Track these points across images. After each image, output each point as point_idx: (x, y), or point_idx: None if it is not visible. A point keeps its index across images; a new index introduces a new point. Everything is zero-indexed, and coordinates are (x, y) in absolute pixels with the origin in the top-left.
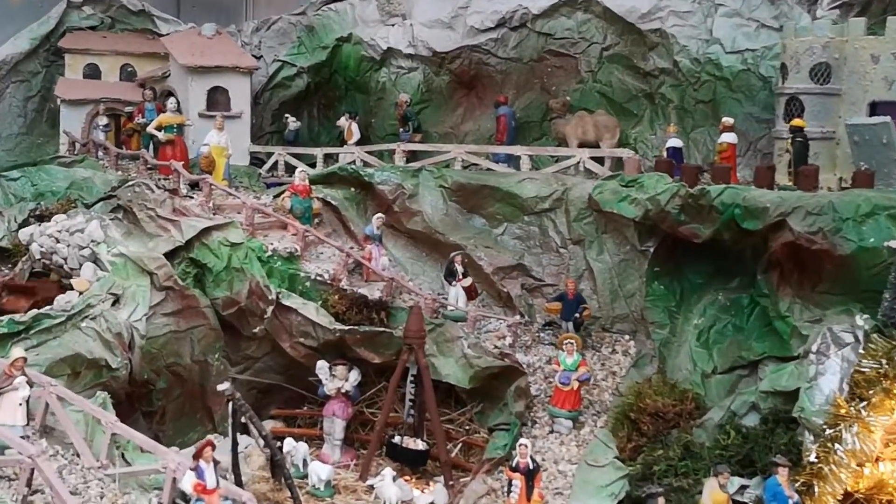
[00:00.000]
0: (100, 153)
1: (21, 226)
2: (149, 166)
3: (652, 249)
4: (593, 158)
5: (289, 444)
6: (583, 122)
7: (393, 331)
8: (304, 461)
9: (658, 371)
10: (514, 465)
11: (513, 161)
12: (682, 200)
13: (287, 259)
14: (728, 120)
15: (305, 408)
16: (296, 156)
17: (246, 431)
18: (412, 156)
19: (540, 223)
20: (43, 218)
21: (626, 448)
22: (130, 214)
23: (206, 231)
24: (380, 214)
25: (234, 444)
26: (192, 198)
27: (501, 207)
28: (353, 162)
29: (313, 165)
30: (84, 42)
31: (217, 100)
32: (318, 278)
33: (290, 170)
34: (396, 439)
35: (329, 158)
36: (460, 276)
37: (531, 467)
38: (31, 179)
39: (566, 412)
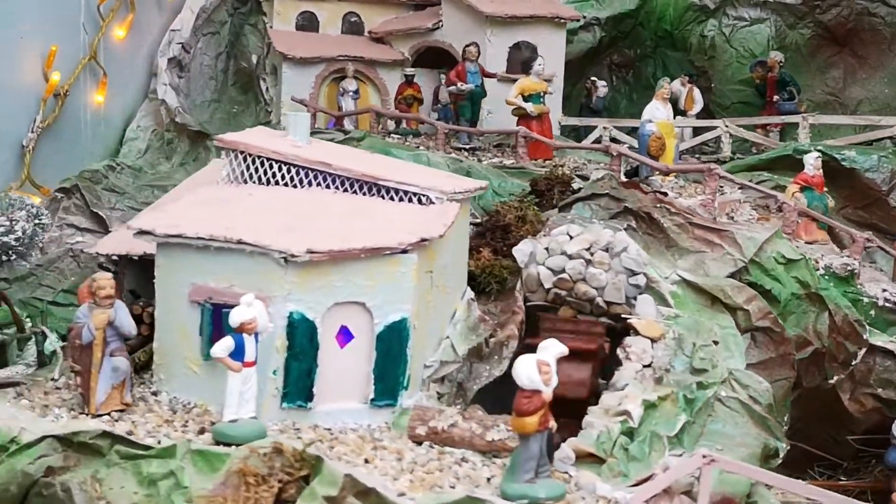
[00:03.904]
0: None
1: None
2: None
3: None
4: None
5: None
6: None
7: None
8: None
9: None
10: None
11: None
12: None
13: (843, 279)
14: None
15: (844, 479)
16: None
17: None
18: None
19: None
20: (495, 229)
21: None
22: (644, 222)
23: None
24: None
25: None
26: (664, 194)
27: None
28: (719, 138)
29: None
30: None
31: (517, 59)
32: (888, 304)
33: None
34: None
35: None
36: None
37: None
38: None
39: None
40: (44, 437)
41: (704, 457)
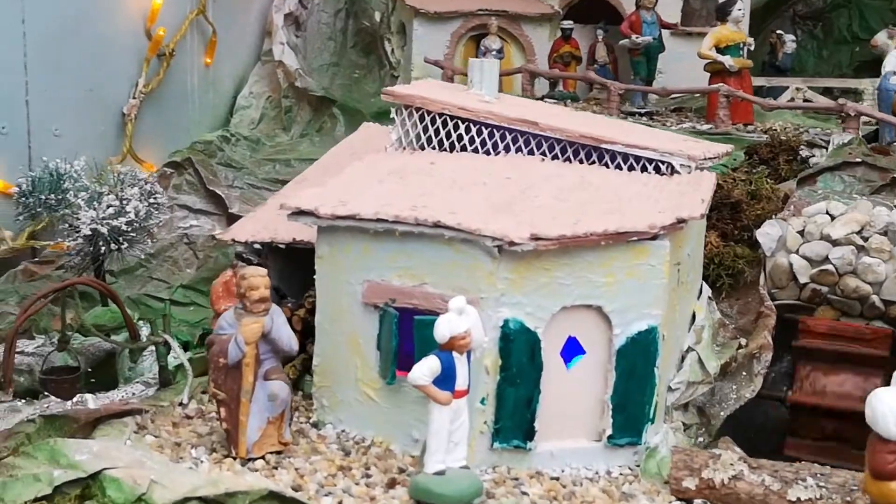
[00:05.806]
0: None
1: None
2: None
3: None
4: None
5: None
6: None
7: None
8: None
9: None
10: None
11: None
12: None
13: None
14: None
15: None
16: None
17: None
18: None
19: None
20: (721, 208)
21: None
22: None
23: None
24: None
25: None
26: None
27: None
28: None
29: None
30: None
31: (692, 10)
32: None
33: None
34: None
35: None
36: None
37: None
38: None
39: None
40: (186, 500)
41: None
